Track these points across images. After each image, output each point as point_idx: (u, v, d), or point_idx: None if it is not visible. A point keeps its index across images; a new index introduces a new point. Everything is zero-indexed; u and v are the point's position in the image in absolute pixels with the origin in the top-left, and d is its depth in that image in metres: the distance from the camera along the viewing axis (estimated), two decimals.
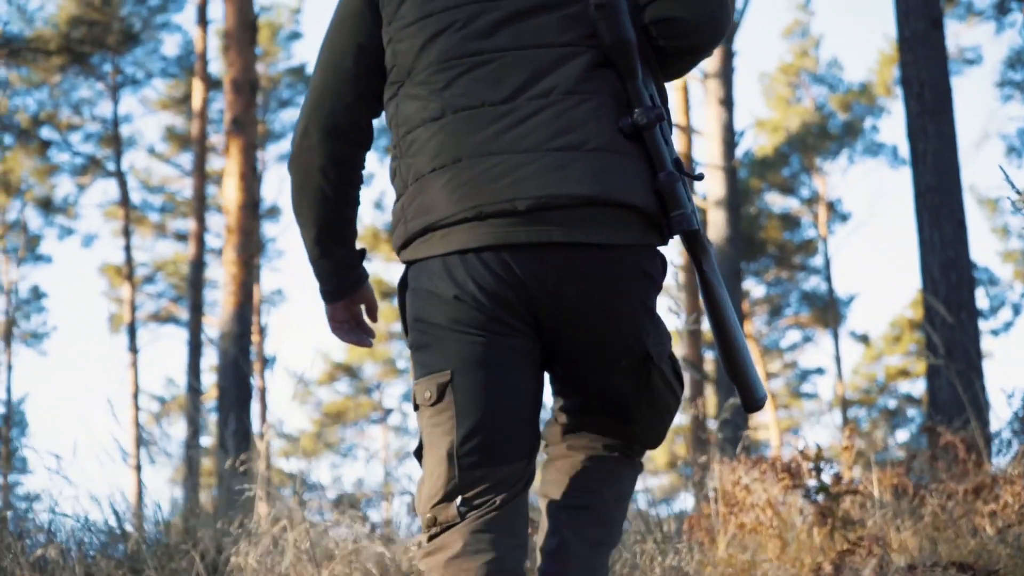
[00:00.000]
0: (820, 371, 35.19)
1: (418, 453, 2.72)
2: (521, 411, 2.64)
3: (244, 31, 15.99)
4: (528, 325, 2.63)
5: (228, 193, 15.85)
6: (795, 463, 5.63)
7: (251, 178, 15.99)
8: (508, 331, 2.61)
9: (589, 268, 2.58)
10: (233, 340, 15.19)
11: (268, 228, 32.67)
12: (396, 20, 2.71)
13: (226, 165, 16.21)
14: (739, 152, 17.47)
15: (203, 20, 23.37)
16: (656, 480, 30.17)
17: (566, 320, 2.62)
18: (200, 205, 22.98)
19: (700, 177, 2.76)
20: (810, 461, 5.54)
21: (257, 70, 31.27)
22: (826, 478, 5.52)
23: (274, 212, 32.74)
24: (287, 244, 38.46)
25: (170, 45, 52.16)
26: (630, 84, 2.61)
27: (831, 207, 31.48)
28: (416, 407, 2.69)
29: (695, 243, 2.70)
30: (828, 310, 31.99)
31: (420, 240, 2.65)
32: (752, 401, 2.74)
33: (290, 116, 34.82)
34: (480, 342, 2.60)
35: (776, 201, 31.53)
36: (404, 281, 2.76)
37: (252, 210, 16.06)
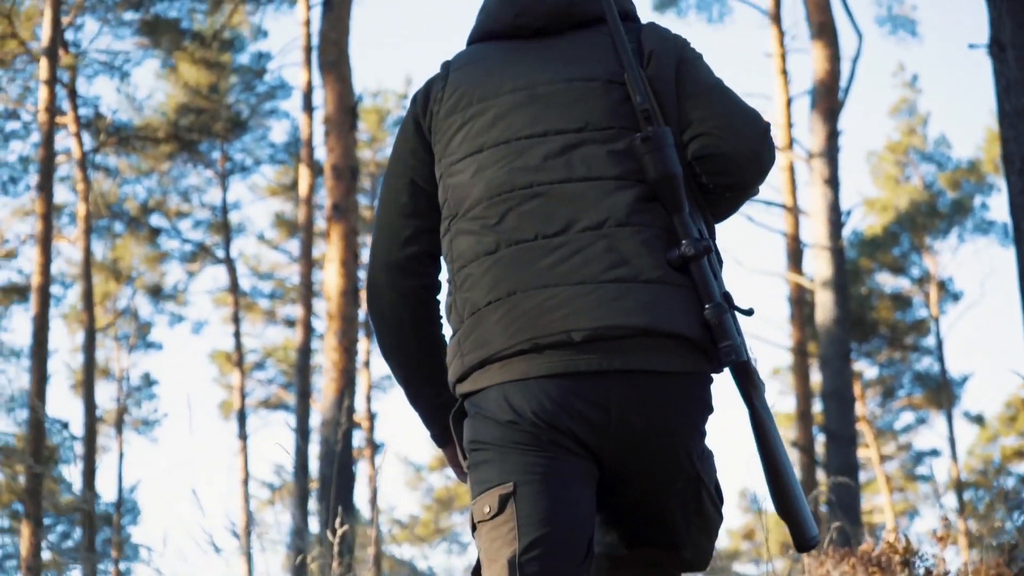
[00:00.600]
0: (935, 453, 34.56)
1: (476, 573, 2.66)
2: (583, 526, 2.60)
3: (344, 117, 16.11)
4: (586, 449, 2.61)
5: (330, 279, 15.92)
6: (885, 556, 5.37)
7: (352, 264, 16.05)
8: (566, 453, 2.60)
9: (650, 393, 2.59)
10: (335, 427, 15.11)
11: None
12: (447, 156, 2.77)
13: (328, 251, 16.31)
14: (847, 232, 17.16)
15: (308, 106, 23.56)
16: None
17: (627, 444, 2.61)
18: (307, 291, 23.07)
19: (750, 312, 2.72)
20: (900, 555, 5.29)
21: (361, 156, 31.63)
22: (919, 572, 5.25)
23: None
24: None
25: (277, 132, 52.84)
26: (677, 217, 2.63)
27: (942, 286, 30.99)
28: (474, 528, 2.65)
29: (744, 375, 2.72)
30: (941, 391, 31.39)
31: (478, 372, 2.65)
32: (804, 540, 2.73)
33: None
34: (541, 457, 2.59)
35: (887, 281, 31.14)
36: (460, 412, 2.76)
37: (353, 296, 16.10)
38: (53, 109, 20.78)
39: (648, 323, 2.54)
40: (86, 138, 28.79)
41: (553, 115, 2.70)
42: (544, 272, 2.58)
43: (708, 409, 2.68)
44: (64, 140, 28.97)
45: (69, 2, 27.92)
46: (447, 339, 2.87)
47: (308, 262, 23.73)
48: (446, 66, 2.89)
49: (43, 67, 21.11)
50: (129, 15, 28.29)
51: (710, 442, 2.75)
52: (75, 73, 27.91)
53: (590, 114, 2.69)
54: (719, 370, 2.68)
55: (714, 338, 2.62)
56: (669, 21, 24.77)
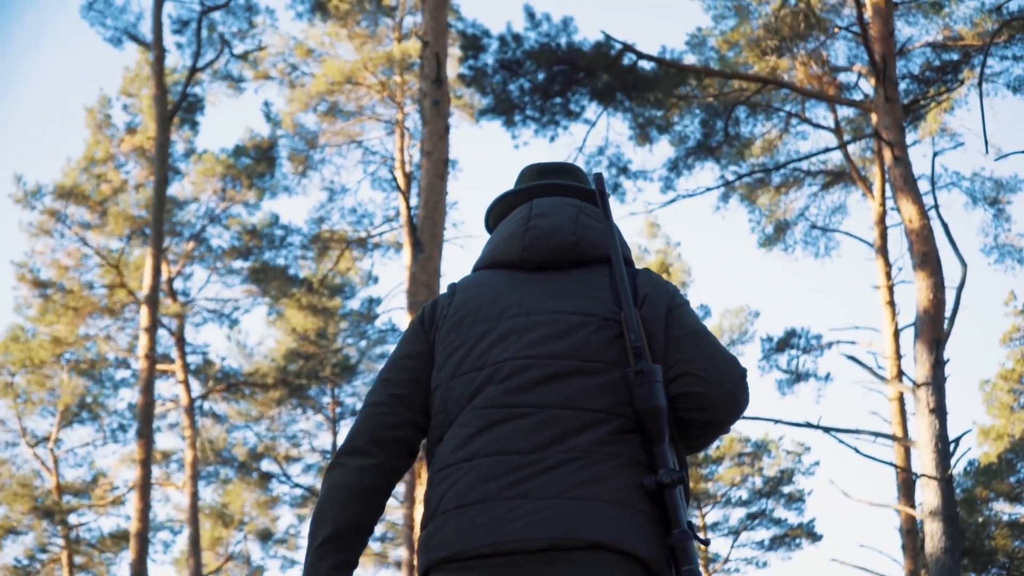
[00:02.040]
0: None
1: None
2: None
3: None
4: None
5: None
6: None
7: None
8: None
9: None
10: None
11: None
12: (447, 367, 2.95)
13: (420, 491, 15.95)
14: (960, 461, 16.42)
15: None
16: None
17: None
18: (410, 533, 22.64)
19: (707, 542, 2.93)
20: None
21: None
22: None
23: None
24: None
25: None
26: (657, 447, 2.78)
27: None
28: None
29: None
30: None
31: (438, 571, 2.75)
32: None
33: None
34: None
35: (1003, 509, 29.98)
36: None
37: None
38: (153, 356, 20.89)
39: (603, 539, 2.64)
40: (194, 385, 29.00)
41: (548, 344, 2.89)
42: (514, 484, 2.71)
43: None
44: (172, 387, 29.28)
45: (177, 252, 28.53)
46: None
47: (411, 504, 23.36)
48: (452, 287, 3.12)
49: (144, 315, 21.32)
50: (238, 263, 28.71)
51: None
52: (183, 321, 28.29)
53: (582, 347, 2.87)
54: None
55: (677, 562, 2.71)
56: (776, 257, 24.60)
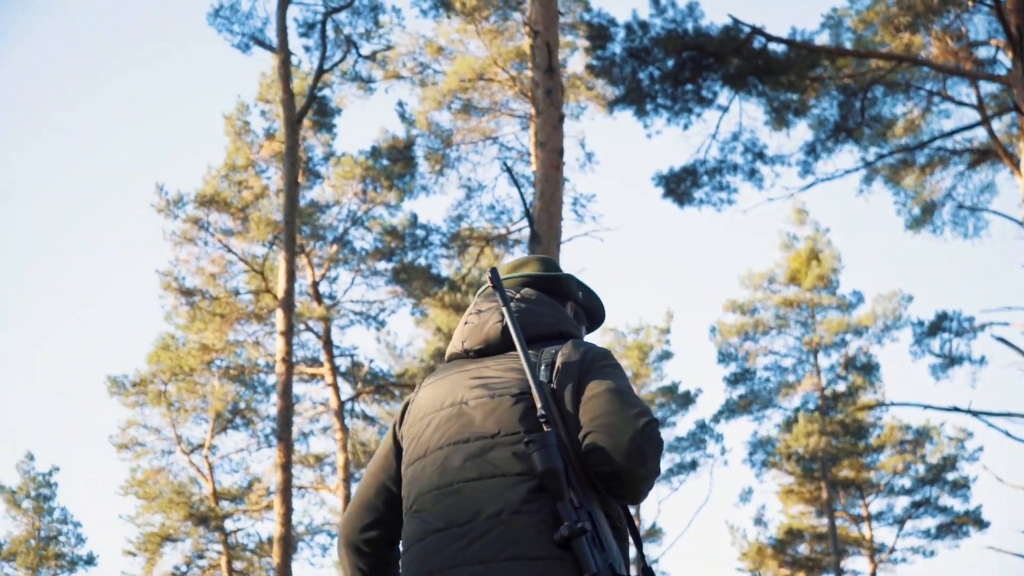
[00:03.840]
0: None
1: None
2: None
3: None
4: None
5: None
6: None
7: None
8: None
9: None
10: None
11: None
12: (406, 457, 3.44)
13: None
14: None
15: None
16: None
17: None
18: None
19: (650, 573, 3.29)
20: None
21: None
22: None
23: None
24: None
25: None
26: (560, 504, 3.09)
27: None
28: None
29: None
30: None
31: None
32: None
33: (665, 436, 34.28)
34: None
35: None
36: None
37: None
38: (290, 360, 20.95)
39: None
40: (344, 387, 29.09)
41: (475, 424, 3.30)
42: (454, 555, 3.13)
43: None
44: (322, 391, 29.41)
45: (321, 255, 28.66)
46: None
47: None
48: (418, 386, 3.62)
49: (280, 319, 21.39)
50: (381, 264, 28.73)
51: None
52: (329, 324, 28.39)
53: (503, 422, 3.26)
54: None
55: None
56: (924, 239, 23.77)
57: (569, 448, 3.18)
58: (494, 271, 3.45)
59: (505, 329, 3.46)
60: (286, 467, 20.75)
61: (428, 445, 3.35)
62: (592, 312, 3.84)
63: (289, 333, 21.12)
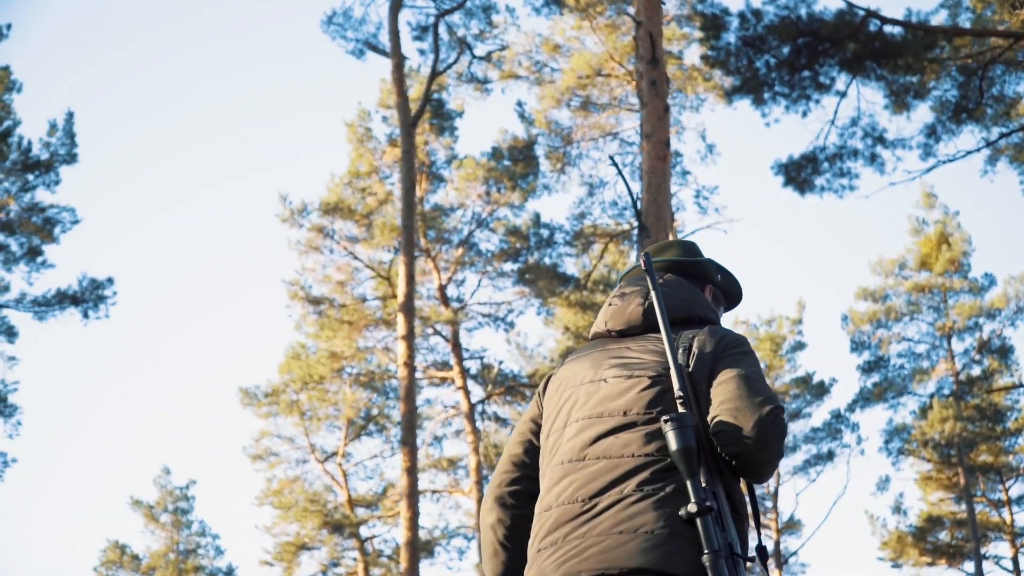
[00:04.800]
0: None
1: None
2: None
3: None
4: None
5: None
6: None
7: None
8: None
9: None
10: None
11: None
12: (544, 427, 3.64)
13: None
14: None
15: None
16: None
17: None
18: None
19: (752, 559, 3.33)
20: None
21: None
22: None
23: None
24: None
25: None
26: (690, 482, 3.17)
27: None
28: None
29: None
30: None
31: None
32: None
33: (800, 427, 33.91)
34: None
35: None
36: None
37: None
38: (412, 364, 20.98)
39: (641, 565, 3.15)
40: (475, 389, 29.09)
41: (610, 401, 3.46)
42: (575, 528, 3.29)
43: None
44: (453, 394, 29.44)
45: (447, 259, 28.69)
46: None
47: None
48: (562, 359, 3.89)
49: (400, 323, 21.42)
50: (508, 265, 28.66)
51: None
52: (457, 327, 28.39)
53: (636, 401, 3.42)
54: None
55: None
56: None
57: (701, 429, 3.32)
58: (647, 256, 3.60)
59: (647, 312, 3.65)
60: (411, 471, 20.78)
61: (566, 418, 3.54)
62: (730, 294, 4.00)
63: (410, 337, 21.13)
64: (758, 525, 3.48)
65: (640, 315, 3.67)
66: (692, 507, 3.15)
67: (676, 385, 3.34)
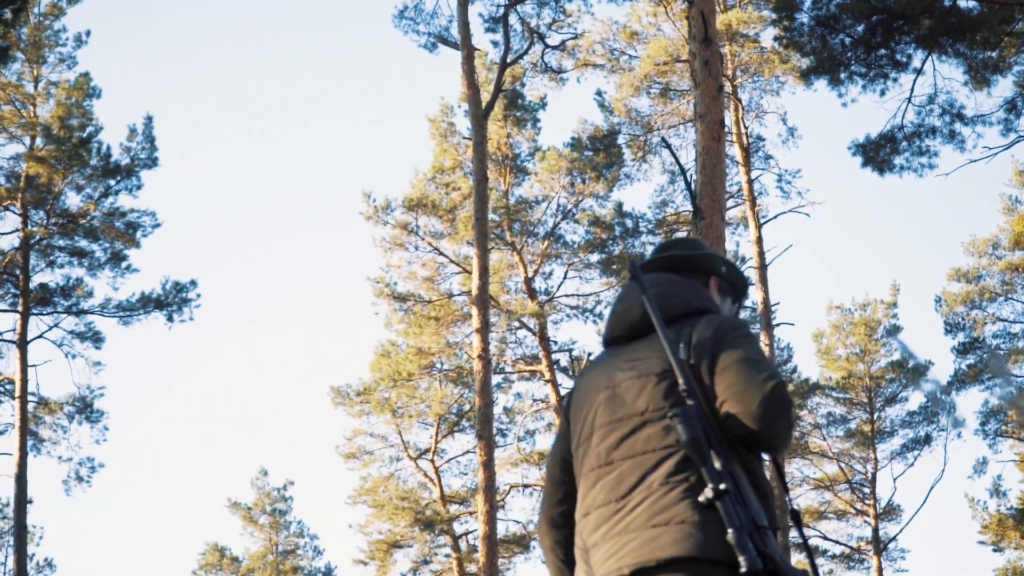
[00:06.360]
0: None
1: None
2: None
3: None
4: None
5: None
6: None
7: None
8: None
9: None
10: None
11: None
12: (573, 439, 3.78)
13: None
14: None
15: (767, 324, 22.62)
16: None
17: None
18: None
19: (778, 529, 3.53)
20: None
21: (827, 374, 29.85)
22: None
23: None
24: None
25: None
26: (704, 469, 3.36)
27: None
28: None
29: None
30: None
31: None
32: None
33: (897, 412, 33.31)
34: None
35: None
36: None
37: None
38: (487, 357, 20.85)
39: (678, 553, 3.32)
40: (564, 382, 28.90)
41: (627, 404, 3.62)
42: (612, 527, 3.48)
43: None
44: (541, 388, 29.28)
45: (533, 251, 28.53)
46: None
47: None
48: (580, 373, 3.98)
49: (475, 316, 21.30)
50: (594, 256, 28.44)
51: None
52: (543, 320, 28.21)
53: (650, 400, 3.57)
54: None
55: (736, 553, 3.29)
56: None
57: (710, 417, 3.44)
58: (633, 264, 3.78)
59: (645, 314, 3.72)
60: (487, 465, 20.64)
61: (591, 428, 3.69)
62: (735, 283, 4.06)
63: (484, 330, 20.99)
64: (784, 490, 3.81)
65: (639, 317, 3.77)
66: (709, 492, 3.34)
67: (680, 379, 3.48)
